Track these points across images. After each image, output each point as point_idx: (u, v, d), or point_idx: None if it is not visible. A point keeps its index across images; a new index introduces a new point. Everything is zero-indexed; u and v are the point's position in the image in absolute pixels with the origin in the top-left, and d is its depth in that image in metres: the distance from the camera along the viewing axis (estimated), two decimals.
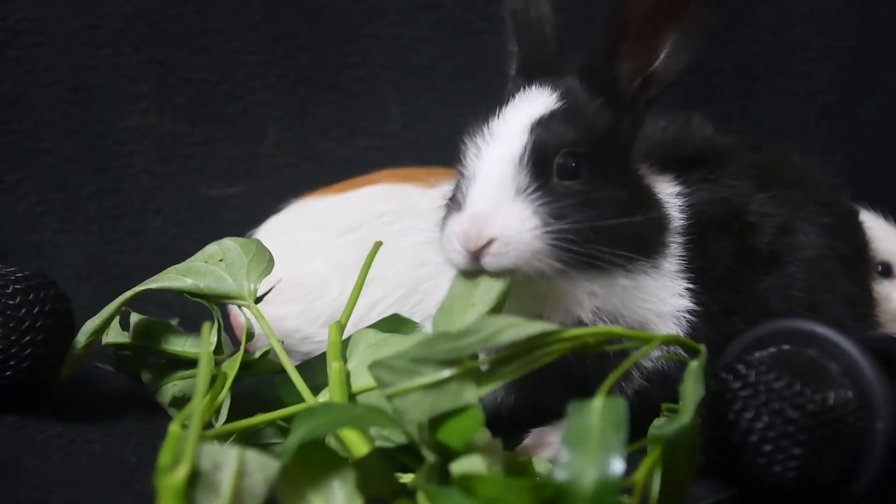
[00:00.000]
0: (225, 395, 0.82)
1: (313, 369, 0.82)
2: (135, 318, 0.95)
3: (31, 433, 0.87)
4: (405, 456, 0.72)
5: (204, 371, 0.65)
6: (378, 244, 0.86)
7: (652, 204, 0.87)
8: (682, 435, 0.67)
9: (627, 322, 0.84)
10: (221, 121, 1.46)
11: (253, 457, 0.61)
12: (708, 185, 0.91)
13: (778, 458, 0.71)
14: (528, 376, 0.71)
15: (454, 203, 0.84)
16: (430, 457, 0.66)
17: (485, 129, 0.84)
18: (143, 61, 1.43)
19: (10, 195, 1.38)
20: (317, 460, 0.65)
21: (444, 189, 0.91)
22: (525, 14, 0.91)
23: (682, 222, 0.87)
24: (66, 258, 1.38)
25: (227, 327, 0.95)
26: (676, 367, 0.84)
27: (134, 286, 0.90)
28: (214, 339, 0.87)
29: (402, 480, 0.70)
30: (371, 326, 0.84)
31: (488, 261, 0.78)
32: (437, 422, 0.67)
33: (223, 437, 0.77)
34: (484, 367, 0.69)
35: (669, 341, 0.80)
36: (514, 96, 0.87)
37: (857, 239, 1.04)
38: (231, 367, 0.84)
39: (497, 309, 0.78)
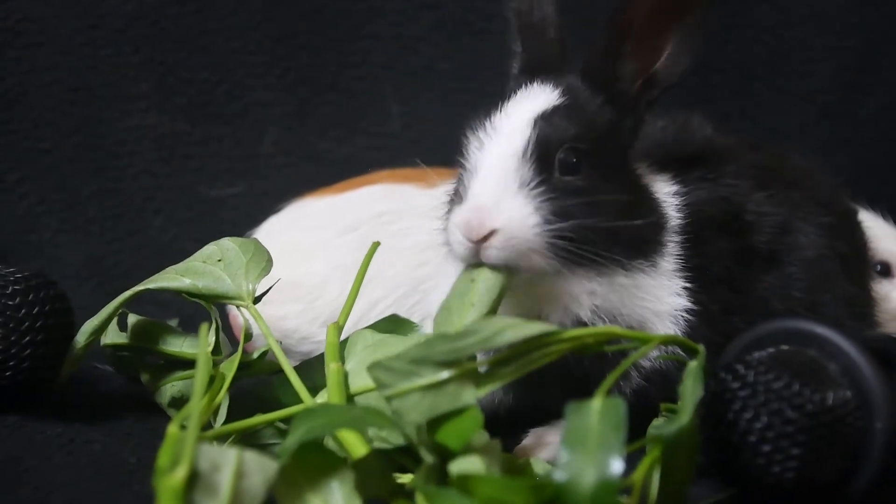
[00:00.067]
0: (223, 396, 0.82)
1: (312, 370, 0.82)
2: (132, 318, 0.95)
3: (30, 433, 0.87)
4: (403, 457, 0.72)
5: (202, 372, 0.65)
6: (376, 244, 0.86)
7: (650, 204, 0.87)
8: (681, 435, 0.67)
9: (626, 321, 0.84)
10: (221, 121, 1.46)
11: (252, 457, 0.61)
12: (706, 184, 0.91)
13: (777, 458, 0.71)
14: (527, 377, 0.70)
15: (457, 196, 0.84)
16: (428, 458, 0.66)
17: (487, 124, 0.85)
18: (143, 61, 1.43)
19: (10, 195, 1.38)
20: (315, 461, 0.65)
21: (445, 189, 0.91)
22: (529, 14, 0.91)
23: (679, 221, 0.87)
24: (66, 258, 1.38)
25: (225, 327, 0.95)
26: (675, 367, 0.84)
27: (134, 286, 0.90)
28: (213, 339, 0.87)
29: (400, 481, 0.70)
30: (369, 327, 0.84)
31: (490, 253, 0.79)
32: (435, 423, 0.67)
33: (222, 438, 0.77)
34: (482, 368, 0.69)
35: (668, 341, 0.80)
36: (515, 93, 0.87)
37: (857, 239, 1.04)
38: (229, 367, 0.83)
39: (494, 305, 0.78)
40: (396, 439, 0.72)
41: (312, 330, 1.09)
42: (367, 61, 1.50)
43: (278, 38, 1.47)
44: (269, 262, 0.87)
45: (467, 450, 0.66)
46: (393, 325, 0.87)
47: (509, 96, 0.87)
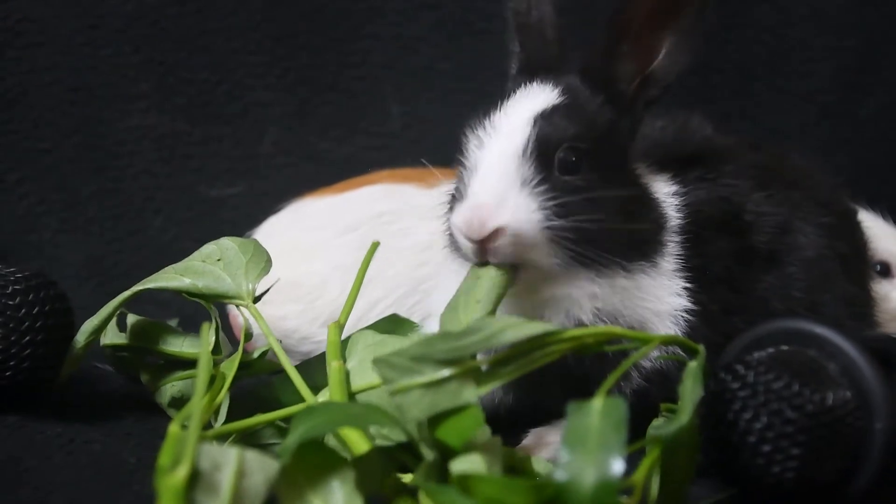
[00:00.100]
0: (224, 396, 0.82)
1: (312, 369, 0.82)
2: (132, 318, 0.95)
3: (30, 433, 0.87)
4: (404, 455, 0.72)
5: (203, 371, 0.65)
6: (376, 244, 0.86)
7: (650, 203, 0.87)
8: (681, 435, 0.67)
9: (627, 321, 0.84)
10: (221, 120, 1.46)
11: (252, 457, 0.61)
12: (706, 184, 0.91)
13: (777, 458, 0.71)
14: (528, 376, 0.70)
15: (457, 195, 0.84)
16: (429, 455, 0.66)
17: (486, 123, 0.85)
18: (143, 61, 1.43)
19: (10, 195, 1.38)
20: (316, 460, 0.65)
21: (445, 188, 0.91)
22: (527, 15, 0.91)
23: (679, 221, 0.88)
24: (66, 258, 1.38)
25: (225, 327, 0.95)
26: (675, 367, 0.84)
27: (134, 286, 0.90)
28: (213, 339, 0.87)
29: (401, 479, 0.70)
30: (369, 327, 0.84)
31: (498, 252, 0.79)
32: (436, 420, 0.67)
33: (222, 438, 0.77)
34: (483, 367, 0.69)
35: (668, 341, 0.80)
36: (514, 92, 0.87)
37: (856, 239, 1.04)
38: (230, 367, 0.84)
39: (496, 303, 0.78)
40: (398, 436, 0.72)
41: (312, 330, 1.09)
42: (367, 61, 1.50)
43: (278, 38, 1.47)
44: (269, 261, 0.87)
45: (468, 448, 0.66)
46: (393, 325, 0.87)
47: (508, 96, 0.87)
